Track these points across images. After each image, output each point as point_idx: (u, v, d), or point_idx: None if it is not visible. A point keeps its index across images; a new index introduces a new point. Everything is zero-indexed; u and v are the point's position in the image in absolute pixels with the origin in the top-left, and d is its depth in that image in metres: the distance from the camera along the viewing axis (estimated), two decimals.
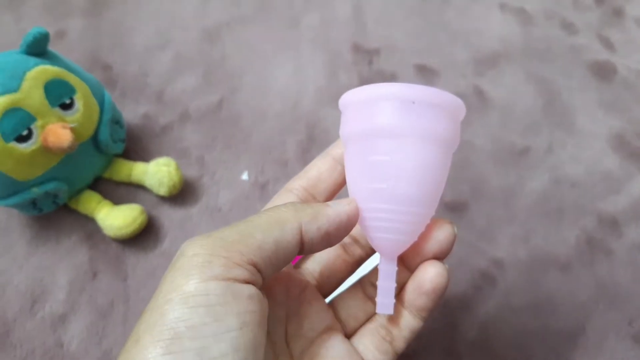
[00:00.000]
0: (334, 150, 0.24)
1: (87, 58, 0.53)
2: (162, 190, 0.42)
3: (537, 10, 0.58)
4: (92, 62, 0.53)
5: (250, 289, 0.18)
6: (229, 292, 0.17)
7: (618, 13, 0.59)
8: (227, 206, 0.44)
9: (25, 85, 0.35)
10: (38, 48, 0.37)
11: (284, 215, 0.20)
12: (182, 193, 0.44)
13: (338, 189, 0.24)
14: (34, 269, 0.41)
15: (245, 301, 0.17)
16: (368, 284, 0.24)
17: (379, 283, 0.22)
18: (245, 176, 0.46)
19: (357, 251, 0.25)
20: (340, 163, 0.24)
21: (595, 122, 0.50)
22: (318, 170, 0.24)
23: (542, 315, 0.40)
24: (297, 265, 0.25)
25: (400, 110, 0.20)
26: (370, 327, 0.23)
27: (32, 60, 0.37)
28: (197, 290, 0.17)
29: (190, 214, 0.44)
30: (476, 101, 0.51)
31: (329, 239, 0.20)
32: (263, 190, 0.45)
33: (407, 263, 0.23)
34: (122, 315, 0.39)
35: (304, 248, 0.20)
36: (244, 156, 0.47)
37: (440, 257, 0.22)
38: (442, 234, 0.21)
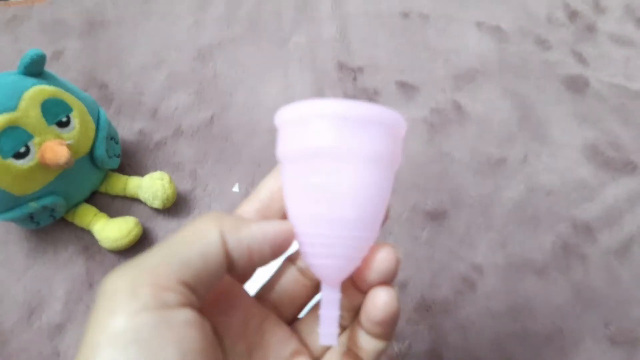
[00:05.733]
0: None
1: (84, 77, 0.54)
2: (156, 203, 0.43)
3: (512, 27, 0.60)
4: (88, 81, 0.54)
5: (186, 314, 0.16)
6: (162, 321, 0.15)
7: (590, 29, 0.60)
8: None
9: (23, 104, 0.36)
10: (35, 69, 0.38)
11: (204, 225, 0.18)
12: (176, 205, 0.45)
13: None
14: (31, 280, 0.42)
15: (183, 328, 0.16)
16: None
17: (321, 312, 0.20)
18: (236, 188, 0.47)
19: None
20: None
21: (569, 133, 0.51)
22: (270, 190, 0.22)
23: (520, 318, 0.40)
24: (256, 296, 0.24)
25: (335, 129, 0.18)
26: (336, 348, 0.22)
27: (30, 80, 0.37)
28: (125, 326, 0.15)
29: (183, 225, 0.44)
30: (455, 115, 0.53)
31: (251, 255, 0.19)
32: None
33: (357, 286, 0.22)
34: None
35: (232, 262, 0.18)
36: (235, 169, 0.48)
37: (386, 282, 0.20)
38: (383, 260, 0.20)
